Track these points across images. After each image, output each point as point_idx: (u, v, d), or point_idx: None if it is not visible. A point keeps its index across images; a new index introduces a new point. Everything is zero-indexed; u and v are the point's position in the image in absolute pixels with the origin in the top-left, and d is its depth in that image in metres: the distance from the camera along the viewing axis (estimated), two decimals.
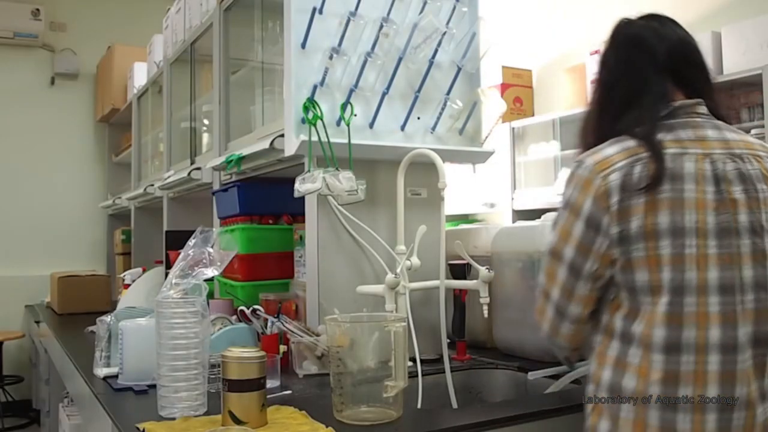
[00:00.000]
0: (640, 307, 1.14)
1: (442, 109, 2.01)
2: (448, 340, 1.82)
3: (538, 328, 1.70)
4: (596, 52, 4.11)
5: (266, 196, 2.27)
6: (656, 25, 1.27)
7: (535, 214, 2.05)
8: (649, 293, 1.13)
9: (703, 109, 1.24)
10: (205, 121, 3.10)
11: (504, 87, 4.88)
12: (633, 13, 1.39)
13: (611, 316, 1.19)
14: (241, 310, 1.89)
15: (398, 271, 1.76)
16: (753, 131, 3.43)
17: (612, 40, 1.31)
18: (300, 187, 1.74)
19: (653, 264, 1.12)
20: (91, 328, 2.43)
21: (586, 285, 1.19)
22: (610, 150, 1.19)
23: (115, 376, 1.70)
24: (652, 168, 1.13)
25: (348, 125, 1.82)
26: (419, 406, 1.54)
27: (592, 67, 4.13)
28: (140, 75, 4.51)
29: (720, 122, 1.25)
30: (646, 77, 1.24)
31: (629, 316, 1.16)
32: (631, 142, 1.18)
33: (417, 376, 1.57)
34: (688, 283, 1.11)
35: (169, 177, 3.10)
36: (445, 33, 1.95)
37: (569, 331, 1.24)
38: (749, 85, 3.51)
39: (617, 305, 1.19)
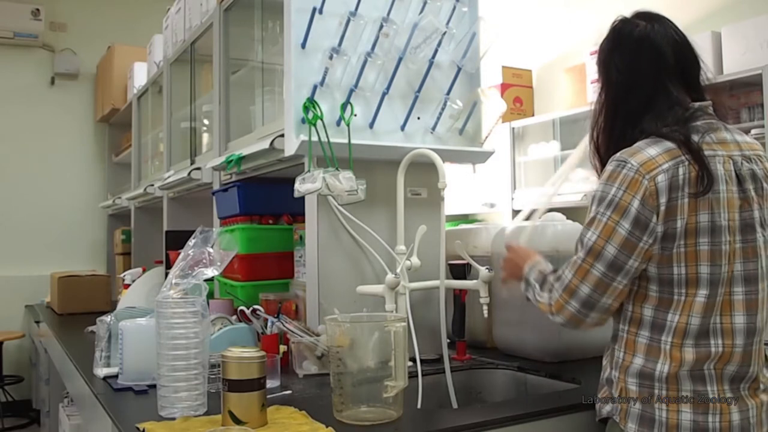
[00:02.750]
0: (673, 297, 1.23)
1: (442, 109, 2.01)
2: (448, 340, 1.82)
3: (538, 327, 1.71)
4: (596, 52, 4.11)
5: (266, 196, 2.27)
6: (658, 26, 1.32)
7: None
8: (684, 285, 1.22)
9: (711, 110, 1.32)
10: (205, 121, 3.10)
11: (504, 87, 4.87)
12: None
13: (638, 306, 1.27)
14: (241, 310, 1.89)
15: (398, 271, 1.76)
16: (753, 131, 3.43)
17: (616, 41, 1.36)
18: (300, 187, 1.74)
19: (691, 259, 1.22)
20: (91, 328, 2.43)
21: (623, 280, 1.25)
22: (651, 151, 1.24)
23: (115, 376, 1.70)
24: (694, 170, 1.21)
25: (348, 125, 1.82)
26: (419, 406, 1.54)
27: (592, 67, 4.13)
28: (140, 75, 4.52)
29: (725, 124, 1.33)
30: (662, 82, 1.30)
31: (660, 306, 1.25)
32: (669, 144, 1.24)
33: (417, 376, 1.57)
34: (723, 276, 1.22)
35: (169, 177, 3.10)
36: (445, 33, 1.95)
37: (594, 320, 1.30)
38: (749, 85, 3.50)
39: (643, 296, 1.27)
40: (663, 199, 1.21)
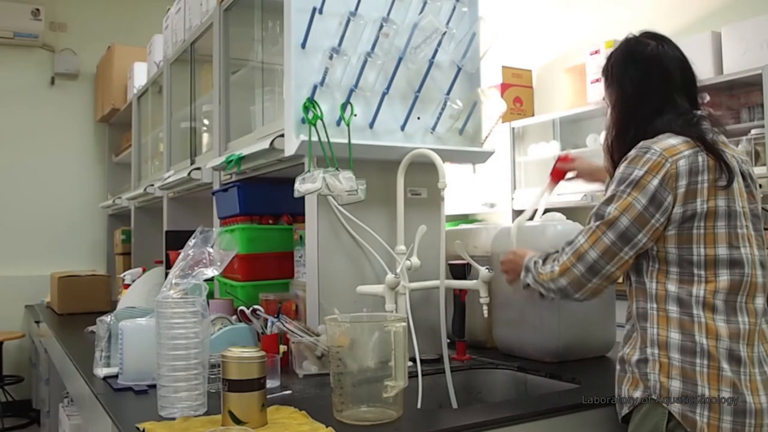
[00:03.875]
0: (693, 279, 1.32)
1: (442, 109, 2.01)
2: (448, 340, 1.82)
3: (538, 327, 1.71)
4: (596, 52, 4.11)
5: (266, 196, 2.27)
6: (667, 47, 1.46)
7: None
8: (704, 267, 1.32)
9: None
10: (205, 121, 3.10)
11: (504, 87, 4.88)
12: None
13: (661, 284, 1.35)
14: (241, 310, 1.89)
15: (398, 271, 1.76)
16: (753, 131, 3.43)
17: (630, 57, 1.47)
18: (300, 187, 1.74)
19: (710, 241, 1.32)
20: (91, 328, 2.43)
21: (630, 251, 1.35)
22: (672, 141, 1.35)
23: (115, 376, 1.70)
24: (712, 160, 1.33)
25: (348, 125, 1.82)
26: (419, 406, 1.54)
27: (592, 67, 4.13)
28: (140, 75, 4.51)
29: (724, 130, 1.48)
30: (670, 94, 1.42)
31: (683, 283, 1.32)
32: (686, 137, 1.35)
33: (417, 376, 1.57)
34: (747, 257, 1.33)
35: (169, 177, 3.10)
36: (445, 33, 1.95)
37: (595, 286, 1.39)
38: (749, 85, 3.50)
39: (664, 275, 1.35)
40: (683, 182, 1.31)
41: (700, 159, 1.32)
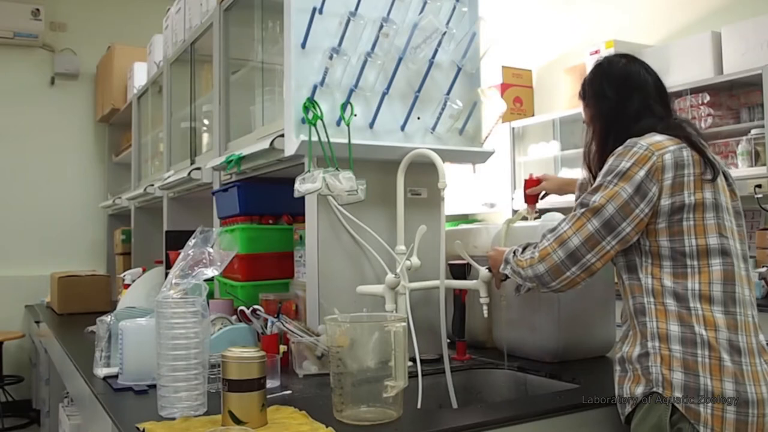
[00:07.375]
0: (687, 270, 1.34)
1: (442, 109, 2.01)
2: (448, 340, 1.82)
3: (538, 327, 1.71)
4: (596, 52, 4.11)
5: (266, 196, 2.27)
6: (638, 64, 1.53)
7: None
8: (696, 257, 1.34)
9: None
10: (205, 121, 3.11)
11: (504, 87, 4.88)
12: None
13: (656, 279, 1.36)
14: (241, 310, 1.89)
15: (398, 271, 1.76)
16: (753, 131, 3.43)
17: (604, 76, 1.54)
18: (300, 187, 1.74)
19: (700, 232, 1.34)
20: (91, 328, 2.43)
21: (612, 241, 1.36)
22: (657, 137, 1.40)
23: (115, 376, 1.70)
24: (697, 155, 1.37)
25: (348, 125, 1.82)
26: (419, 406, 1.53)
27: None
28: (140, 75, 4.52)
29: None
30: (645, 102, 1.48)
31: (678, 276, 1.34)
32: (670, 135, 1.40)
33: (417, 376, 1.57)
34: (733, 249, 1.36)
35: (169, 177, 3.10)
36: (445, 33, 1.96)
37: (573, 276, 1.40)
38: (749, 85, 3.51)
39: (658, 269, 1.36)
40: (668, 174, 1.34)
41: (685, 154, 1.36)
